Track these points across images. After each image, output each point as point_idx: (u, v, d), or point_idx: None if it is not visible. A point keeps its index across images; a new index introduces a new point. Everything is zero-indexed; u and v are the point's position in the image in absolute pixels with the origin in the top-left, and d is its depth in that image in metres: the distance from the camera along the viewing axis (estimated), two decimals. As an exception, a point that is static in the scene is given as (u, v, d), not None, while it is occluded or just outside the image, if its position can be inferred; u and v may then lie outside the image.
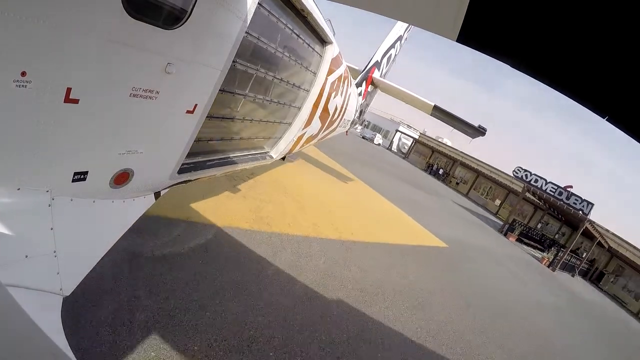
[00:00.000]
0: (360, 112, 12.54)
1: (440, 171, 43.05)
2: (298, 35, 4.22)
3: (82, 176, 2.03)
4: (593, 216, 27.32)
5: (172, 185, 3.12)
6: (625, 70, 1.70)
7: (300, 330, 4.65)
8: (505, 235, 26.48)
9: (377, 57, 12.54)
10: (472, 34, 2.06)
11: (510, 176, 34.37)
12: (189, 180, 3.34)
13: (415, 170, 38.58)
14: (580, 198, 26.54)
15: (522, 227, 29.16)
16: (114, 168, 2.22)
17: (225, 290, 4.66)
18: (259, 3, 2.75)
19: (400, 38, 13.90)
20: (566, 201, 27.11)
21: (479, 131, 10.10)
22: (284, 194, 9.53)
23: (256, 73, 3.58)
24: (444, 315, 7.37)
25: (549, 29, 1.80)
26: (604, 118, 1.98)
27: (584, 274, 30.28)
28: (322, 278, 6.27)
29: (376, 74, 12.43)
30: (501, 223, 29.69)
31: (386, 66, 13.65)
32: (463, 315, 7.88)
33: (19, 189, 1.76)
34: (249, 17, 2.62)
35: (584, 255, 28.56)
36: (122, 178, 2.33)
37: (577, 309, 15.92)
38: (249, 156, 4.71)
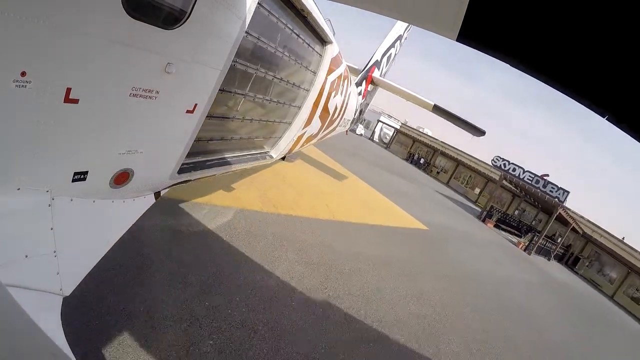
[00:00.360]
0: (360, 111, 12.53)
1: (422, 160, 44.20)
2: (298, 35, 4.22)
3: (82, 176, 2.03)
4: (570, 204, 29.09)
5: (173, 185, 3.12)
6: (627, 69, 1.69)
7: (312, 286, 5.89)
8: (483, 221, 27.56)
9: (377, 57, 12.53)
10: (472, 33, 2.06)
11: (489, 165, 35.48)
12: (189, 180, 3.34)
13: (397, 160, 40.02)
14: (557, 186, 27.68)
15: (499, 214, 30.49)
16: (114, 168, 2.22)
17: (252, 257, 5.83)
18: (258, 3, 2.75)
19: (400, 37, 13.89)
20: (543, 189, 28.26)
21: (478, 131, 10.13)
22: (282, 182, 10.40)
23: (256, 73, 3.58)
24: (424, 283, 8.59)
25: (550, 27, 1.79)
26: (603, 117, 1.98)
27: (560, 259, 31.61)
28: (323, 249, 7.50)
29: (376, 73, 12.42)
30: (480, 210, 30.97)
31: (386, 65, 13.64)
32: (440, 284, 9.07)
33: (19, 189, 1.76)
34: (249, 16, 2.62)
35: (559, 240, 30.19)
36: (122, 178, 2.33)
37: (547, 285, 17.31)
38: (248, 156, 4.71)
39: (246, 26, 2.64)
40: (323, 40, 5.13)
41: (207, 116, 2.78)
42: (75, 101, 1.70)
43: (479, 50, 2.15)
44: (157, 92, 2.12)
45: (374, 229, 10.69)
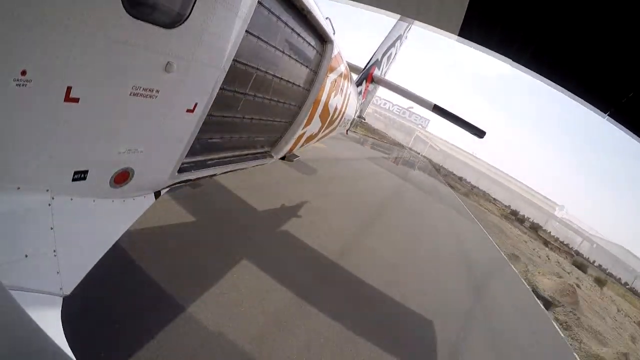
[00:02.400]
0: (361, 110, 12.53)
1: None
2: (298, 34, 4.21)
3: (82, 175, 2.03)
4: (433, 130, 43.21)
5: (173, 185, 3.12)
6: (629, 66, 1.68)
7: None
8: (362, 144, 38.42)
9: (377, 56, 12.52)
10: (473, 31, 2.05)
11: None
12: (190, 180, 3.34)
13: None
14: (420, 116, 39.35)
15: (374, 139, 47.24)
16: (114, 167, 2.21)
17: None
18: (259, 2, 2.74)
19: (400, 37, 13.88)
20: (409, 118, 39.83)
21: (478, 131, 10.12)
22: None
23: (256, 72, 3.57)
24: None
25: (550, 24, 1.79)
26: (605, 114, 1.96)
27: (424, 169, 49.70)
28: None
29: (376, 73, 12.42)
30: (358, 137, 43.06)
31: (386, 65, 13.64)
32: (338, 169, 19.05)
33: (18, 189, 1.76)
34: (249, 16, 2.61)
35: (420, 155, 45.79)
36: (122, 177, 2.32)
37: (406, 176, 32.25)
38: (249, 155, 4.70)
39: (247, 25, 2.64)
40: (323, 40, 5.12)
41: (207, 115, 2.77)
42: (76, 100, 1.70)
43: (479, 48, 2.15)
44: (158, 91, 2.11)
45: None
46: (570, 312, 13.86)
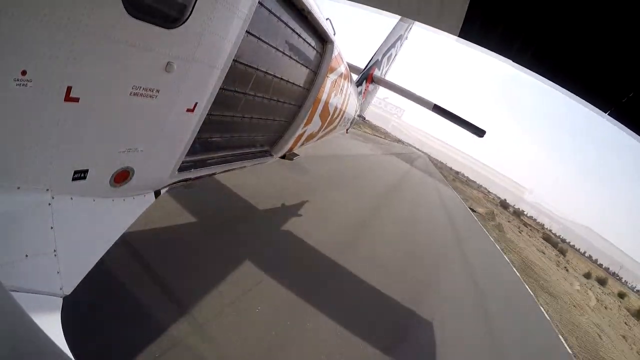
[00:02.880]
0: (361, 110, 12.53)
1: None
2: (298, 35, 4.21)
3: (82, 175, 2.03)
4: (407, 119, 59.51)
5: (173, 184, 3.12)
6: (629, 66, 1.68)
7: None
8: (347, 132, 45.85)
9: (378, 57, 12.52)
10: (473, 31, 2.05)
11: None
12: (190, 179, 3.33)
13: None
14: (395, 106, 46.53)
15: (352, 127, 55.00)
16: (114, 166, 2.21)
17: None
18: (259, 2, 2.74)
19: (400, 37, 13.88)
20: (384, 108, 42.89)
21: (478, 131, 10.11)
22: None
23: (256, 72, 3.57)
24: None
25: (550, 24, 1.78)
26: (605, 113, 1.96)
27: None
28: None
29: (376, 73, 12.41)
30: None
31: (386, 65, 13.64)
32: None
33: (18, 188, 1.76)
34: (250, 16, 2.61)
35: (404, 143, 55.27)
36: (122, 177, 2.32)
37: (393, 169, 37.42)
38: (249, 154, 4.70)
39: (247, 25, 2.64)
40: (323, 40, 5.12)
41: (207, 115, 2.77)
42: (76, 100, 1.70)
43: (480, 48, 2.15)
44: (158, 91, 2.11)
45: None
46: (487, 219, 32.88)
